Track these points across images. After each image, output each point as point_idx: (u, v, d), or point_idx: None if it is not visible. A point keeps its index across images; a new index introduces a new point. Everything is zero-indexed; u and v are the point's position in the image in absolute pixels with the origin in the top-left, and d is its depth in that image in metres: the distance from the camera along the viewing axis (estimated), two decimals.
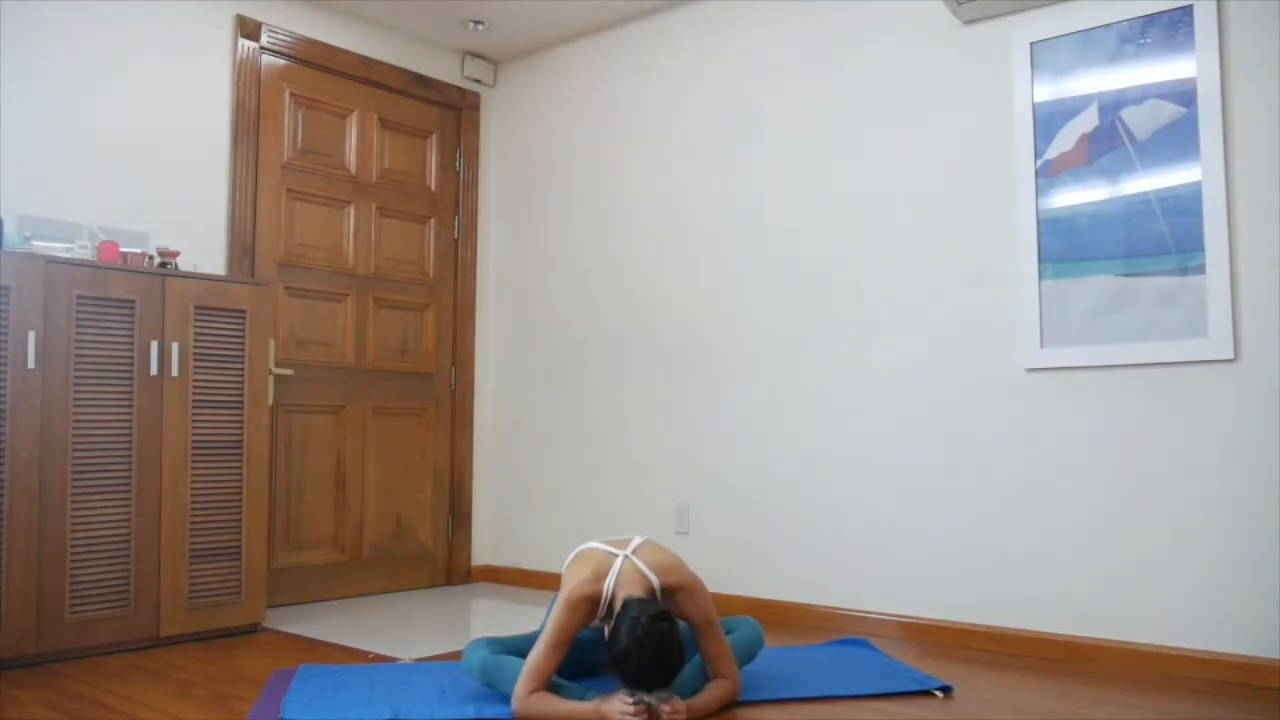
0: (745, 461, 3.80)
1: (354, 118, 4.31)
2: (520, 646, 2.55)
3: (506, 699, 2.43)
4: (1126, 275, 2.98)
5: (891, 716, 2.39)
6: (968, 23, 3.33)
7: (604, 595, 2.38)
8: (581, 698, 2.33)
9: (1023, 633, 3.10)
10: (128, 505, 3.09)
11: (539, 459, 4.47)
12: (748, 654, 2.56)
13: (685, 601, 2.40)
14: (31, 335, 2.90)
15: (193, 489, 3.23)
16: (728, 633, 2.55)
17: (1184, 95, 2.91)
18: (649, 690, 2.22)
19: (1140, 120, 2.99)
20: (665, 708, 2.25)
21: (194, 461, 3.23)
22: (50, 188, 3.37)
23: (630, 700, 2.21)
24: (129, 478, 3.09)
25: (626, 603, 2.28)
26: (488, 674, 2.44)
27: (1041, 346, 3.12)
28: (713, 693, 2.40)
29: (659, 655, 2.17)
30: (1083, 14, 3.10)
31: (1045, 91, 3.16)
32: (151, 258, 3.33)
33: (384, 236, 4.39)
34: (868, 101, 3.57)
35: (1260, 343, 2.77)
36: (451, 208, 4.66)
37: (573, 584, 2.40)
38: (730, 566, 3.79)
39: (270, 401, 3.59)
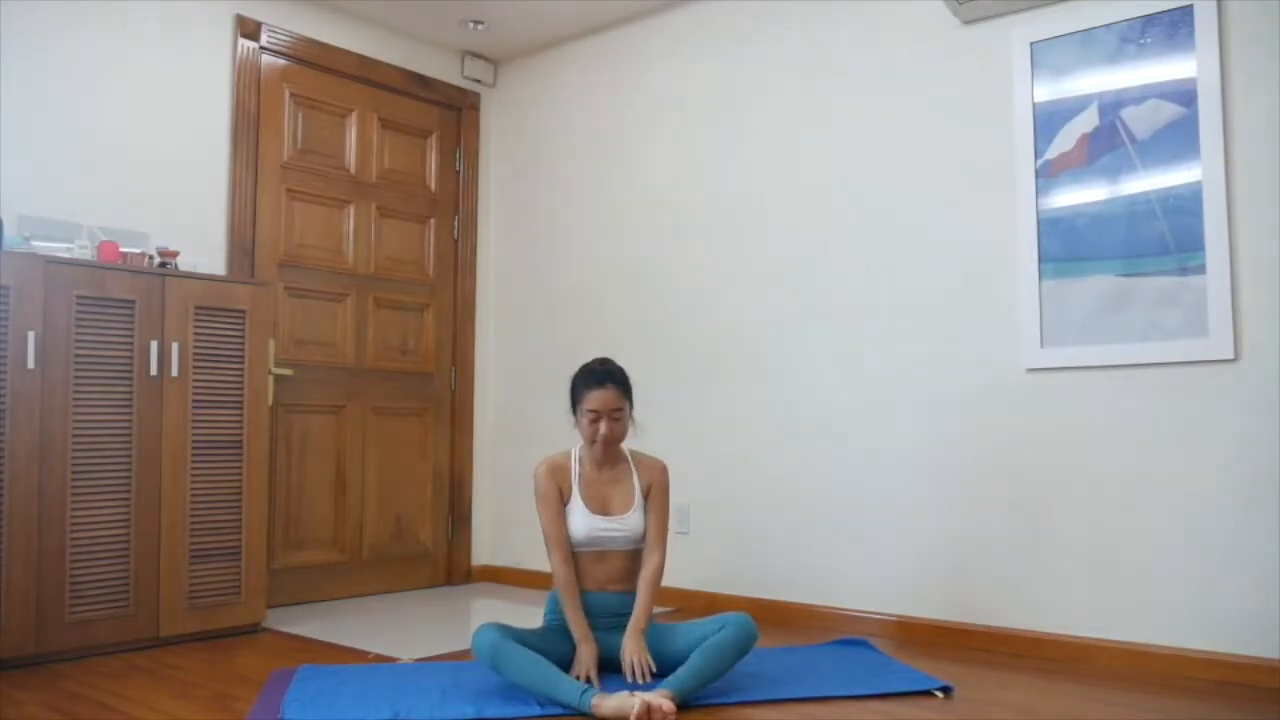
0: (745, 462, 3.80)
1: (354, 118, 4.31)
2: (529, 639, 2.57)
3: (508, 686, 2.47)
4: (1126, 275, 2.98)
5: (891, 716, 2.39)
6: (968, 23, 3.33)
7: (572, 454, 2.82)
8: (582, 695, 2.34)
9: (1023, 633, 3.10)
10: (127, 505, 3.09)
11: (539, 459, 4.45)
12: (741, 649, 2.55)
13: (653, 472, 2.82)
14: (31, 335, 2.90)
15: (192, 489, 3.23)
16: (720, 629, 2.58)
17: (1184, 95, 2.91)
18: (604, 384, 2.70)
19: (1140, 120, 2.99)
20: (660, 703, 2.28)
21: (194, 461, 3.23)
22: (50, 188, 3.37)
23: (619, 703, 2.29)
24: (129, 478, 3.09)
25: None
26: (495, 657, 2.46)
27: (1041, 346, 3.12)
28: (648, 574, 2.71)
29: (607, 364, 2.78)
30: (1083, 14, 3.10)
31: (1045, 91, 3.16)
32: (151, 258, 3.33)
33: (384, 236, 4.39)
34: (868, 101, 3.57)
35: (1260, 343, 2.77)
36: (451, 208, 4.66)
37: (546, 460, 2.83)
38: (730, 566, 3.79)
39: (270, 401, 3.59)
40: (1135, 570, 2.93)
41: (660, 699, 2.30)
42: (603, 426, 2.71)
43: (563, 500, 2.75)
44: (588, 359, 2.90)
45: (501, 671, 2.46)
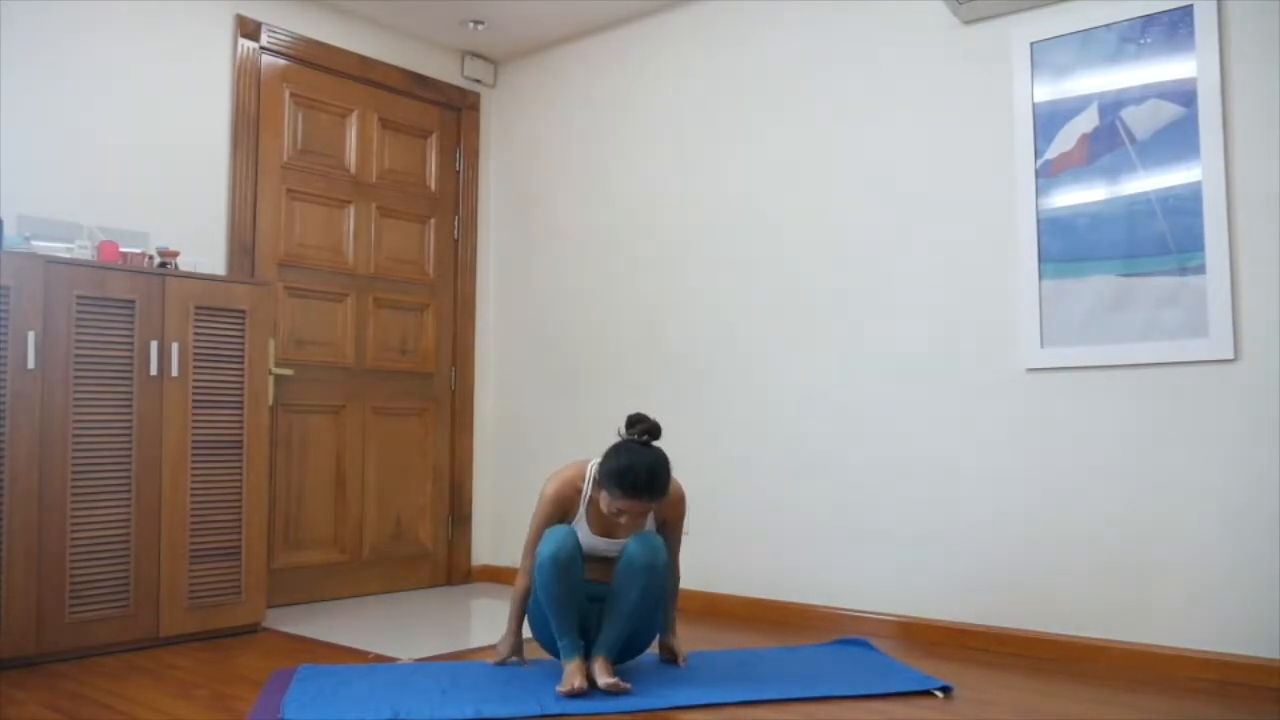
0: (745, 461, 3.80)
1: (354, 118, 4.31)
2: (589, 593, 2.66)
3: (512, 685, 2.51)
4: (1126, 275, 2.98)
5: (891, 716, 2.39)
6: (968, 23, 3.33)
7: (586, 476, 2.70)
8: (570, 648, 2.56)
9: (1023, 633, 3.10)
10: (128, 505, 3.08)
11: (539, 459, 4.46)
12: (645, 579, 2.57)
13: (672, 504, 2.73)
14: (31, 335, 2.90)
15: (193, 489, 3.23)
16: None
17: (1184, 95, 2.91)
18: (641, 498, 2.51)
19: (1140, 120, 2.99)
20: (609, 682, 2.48)
21: (194, 461, 3.23)
22: (50, 188, 3.37)
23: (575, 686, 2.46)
24: (129, 478, 3.09)
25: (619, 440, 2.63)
26: (555, 562, 2.52)
27: (1041, 346, 3.12)
28: (673, 603, 2.86)
29: (650, 469, 2.51)
30: (1083, 14, 3.10)
31: (1045, 91, 3.16)
32: (151, 258, 3.33)
33: (384, 236, 4.39)
34: (868, 101, 3.57)
35: (1260, 343, 2.77)
36: (451, 208, 4.66)
37: (558, 476, 2.73)
38: (730, 566, 3.79)
39: (270, 401, 3.59)
40: (1135, 570, 2.93)
41: (604, 679, 2.49)
42: (625, 520, 2.59)
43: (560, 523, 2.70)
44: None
45: (541, 574, 2.54)
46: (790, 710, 2.44)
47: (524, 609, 2.78)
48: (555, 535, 2.57)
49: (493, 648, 3.15)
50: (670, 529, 2.80)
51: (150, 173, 3.63)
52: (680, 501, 2.78)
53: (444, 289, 4.61)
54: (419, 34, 4.50)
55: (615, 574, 2.62)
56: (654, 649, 2.89)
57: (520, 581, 2.77)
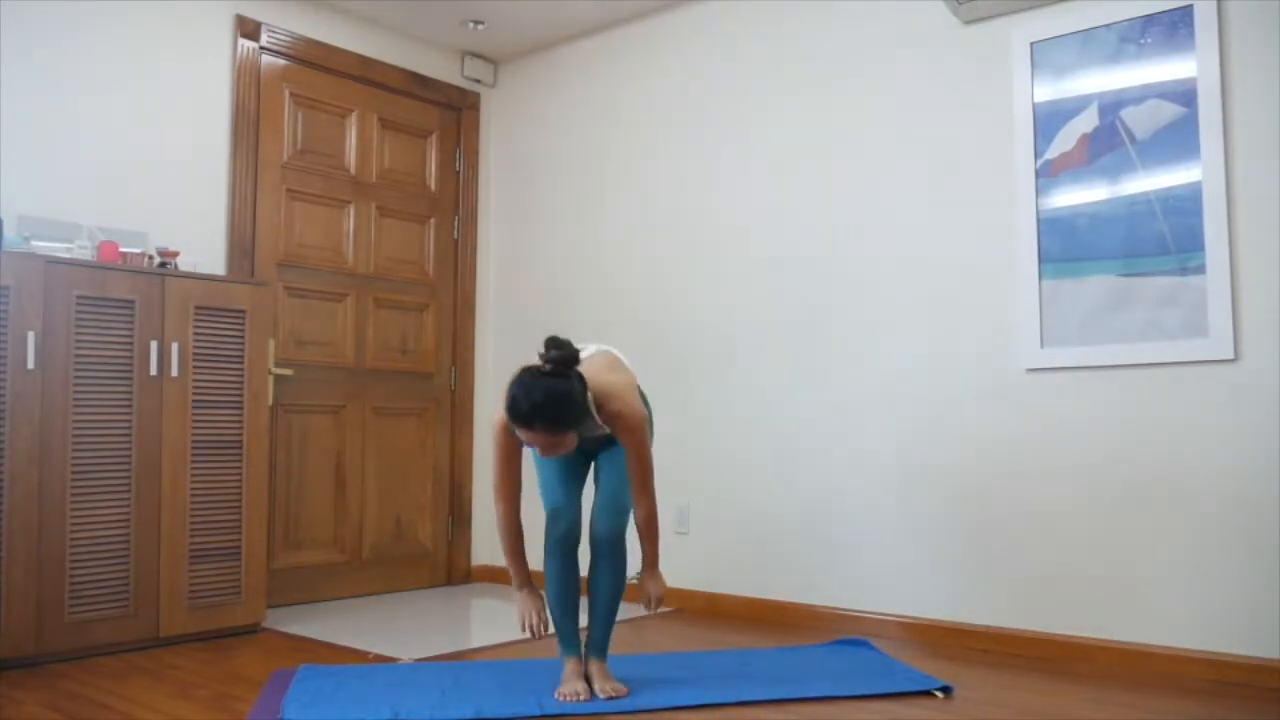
0: (745, 461, 3.80)
1: (354, 118, 4.31)
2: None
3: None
4: (1126, 275, 2.98)
5: (891, 716, 2.39)
6: (968, 23, 3.33)
7: None
8: (563, 652, 2.57)
9: (1023, 633, 3.10)
10: (127, 505, 3.08)
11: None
12: (613, 571, 2.55)
13: (620, 430, 2.43)
14: (31, 335, 2.90)
15: (193, 489, 3.23)
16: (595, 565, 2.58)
17: (1184, 95, 2.91)
18: (532, 428, 2.27)
19: (1140, 120, 2.99)
20: (606, 687, 2.47)
21: (194, 461, 3.23)
22: (50, 188, 3.37)
23: (577, 692, 2.45)
24: (129, 478, 3.09)
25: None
26: (547, 560, 2.56)
27: (1041, 346, 3.12)
28: (641, 525, 2.54)
29: (537, 397, 2.26)
30: (1083, 14, 3.10)
31: (1045, 91, 3.16)
32: (151, 258, 3.33)
33: (384, 236, 4.39)
34: (868, 101, 3.57)
35: (1260, 343, 2.77)
36: (451, 208, 4.66)
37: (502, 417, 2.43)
38: (730, 566, 3.79)
39: (270, 401, 3.59)
40: (1134, 570, 2.93)
41: (603, 687, 2.48)
42: (540, 450, 2.36)
43: (517, 449, 2.49)
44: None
45: (546, 568, 2.57)
46: (790, 710, 2.44)
47: (519, 544, 2.54)
48: (556, 513, 2.55)
49: (493, 649, 3.15)
50: (630, 455, 2.45)
51: (150, 172, 3.63)
52: (617, 416, 2.40)
53: (444, 289, 4.61)
54: (419, 34, 4.49)
55: (590, 550, 2.56)
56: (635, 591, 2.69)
57: (501, 510, 2.50)
